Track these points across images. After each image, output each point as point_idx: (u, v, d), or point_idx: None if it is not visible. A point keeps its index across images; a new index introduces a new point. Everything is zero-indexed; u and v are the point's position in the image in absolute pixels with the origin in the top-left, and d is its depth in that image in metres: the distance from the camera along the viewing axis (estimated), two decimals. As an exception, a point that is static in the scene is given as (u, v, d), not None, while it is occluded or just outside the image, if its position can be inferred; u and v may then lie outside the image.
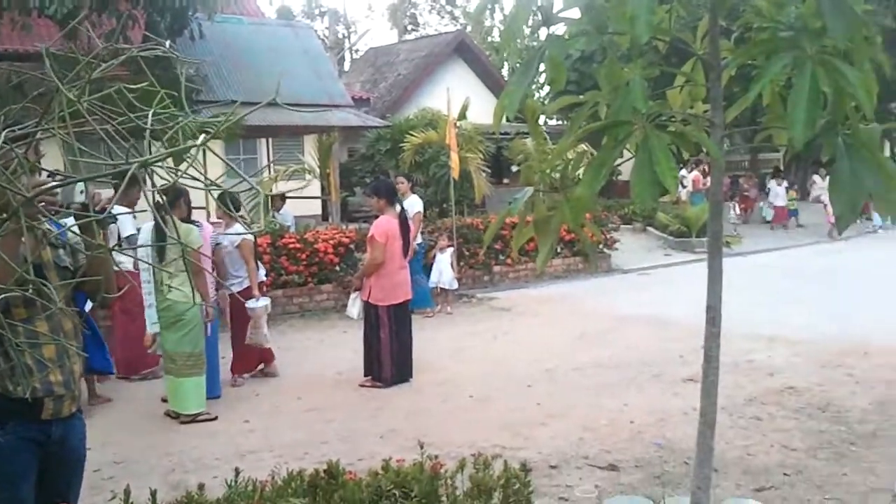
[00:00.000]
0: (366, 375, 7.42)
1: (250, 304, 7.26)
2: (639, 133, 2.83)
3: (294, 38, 18.76)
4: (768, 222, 21.30)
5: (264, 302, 7.39)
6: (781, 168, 26.06)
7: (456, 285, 11.05)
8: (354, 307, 7.60)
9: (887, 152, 33.64)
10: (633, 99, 2.77)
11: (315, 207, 18.13)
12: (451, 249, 10.93)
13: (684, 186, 19.16)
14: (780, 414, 6.25)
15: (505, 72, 30.93)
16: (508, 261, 12.98)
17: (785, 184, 22.51)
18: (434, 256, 10.93)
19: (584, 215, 3.06)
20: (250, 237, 7.40)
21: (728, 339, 8.73)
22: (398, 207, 7.60)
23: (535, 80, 3.42)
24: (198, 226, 6.84)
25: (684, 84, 3.75)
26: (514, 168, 15.41)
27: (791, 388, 6.95)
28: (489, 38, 43.24)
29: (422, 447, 3.15)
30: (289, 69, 17.49)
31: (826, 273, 13.94)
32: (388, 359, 7.28)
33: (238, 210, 7.56)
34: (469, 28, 36.75)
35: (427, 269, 10.99)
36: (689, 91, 3.76)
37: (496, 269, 13.08)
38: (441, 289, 10.87)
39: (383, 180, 8.69)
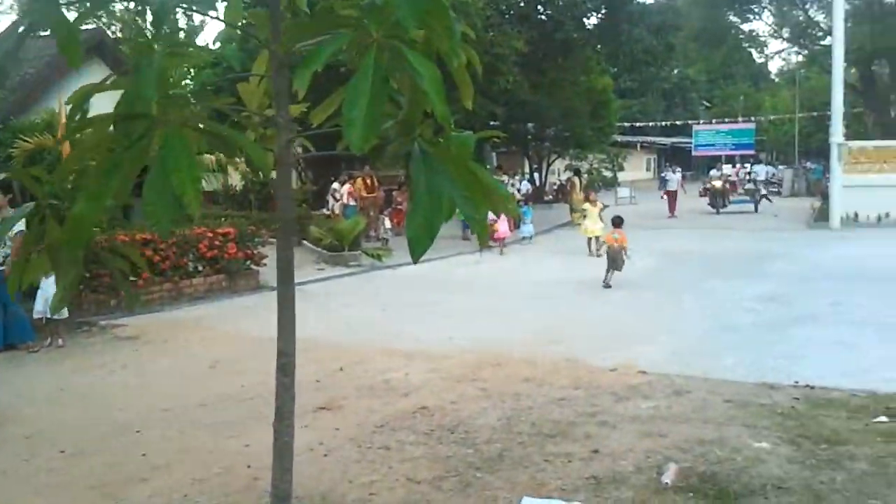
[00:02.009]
0: (-83, 438, 5.89)
1: None
2: (160, 131, 2.10)
3: None
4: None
5: None
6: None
7: (66, 314, 9.48)
8: None
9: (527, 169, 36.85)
10: (142, 85, 2.02)
11: None
12: (61, 272, 9.35)
13: (337, 200, 18.98)
14: (409, 440, 5.90)
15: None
16: (140, 282, 11.61)
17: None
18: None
19: (87, 238, 2.25)
20: None
21: (367, 357, 8.48)
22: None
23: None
24: None
25: (262, 78, 3.12)
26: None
27: (424, 408, 6.69)
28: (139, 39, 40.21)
29: None
30: None
31: (469, 284, 14.39)
32: (-54, 416, 5.83)
33: None
34: (115, 27, 33.73)
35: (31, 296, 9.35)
36: (266, 89, 3.12)
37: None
38: (47, 318, 9.27)
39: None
